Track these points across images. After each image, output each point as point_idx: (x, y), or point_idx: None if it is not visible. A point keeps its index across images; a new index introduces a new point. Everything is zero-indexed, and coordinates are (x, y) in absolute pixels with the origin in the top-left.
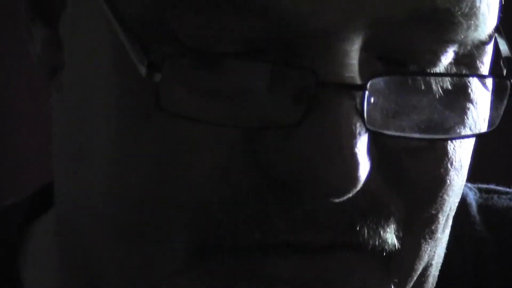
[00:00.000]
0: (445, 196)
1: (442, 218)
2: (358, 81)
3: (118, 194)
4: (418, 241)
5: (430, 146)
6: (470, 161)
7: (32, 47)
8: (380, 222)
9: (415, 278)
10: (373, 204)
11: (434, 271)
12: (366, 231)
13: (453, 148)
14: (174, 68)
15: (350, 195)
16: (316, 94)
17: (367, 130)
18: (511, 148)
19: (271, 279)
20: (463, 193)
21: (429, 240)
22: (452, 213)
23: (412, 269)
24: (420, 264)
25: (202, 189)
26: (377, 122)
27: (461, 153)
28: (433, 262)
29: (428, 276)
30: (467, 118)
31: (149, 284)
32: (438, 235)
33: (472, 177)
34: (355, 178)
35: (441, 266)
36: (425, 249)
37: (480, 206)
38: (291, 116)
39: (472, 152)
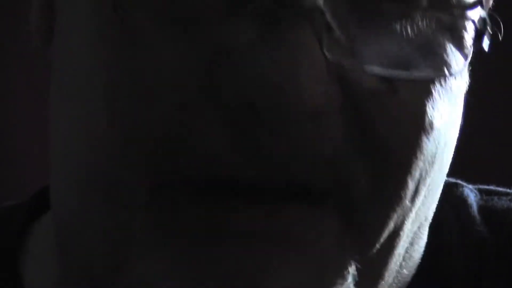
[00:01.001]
0: (412, 157)
1: (411, 184)
2: (320, 3)
3: (87, 137)
4: (384, 206)
5: (393, 92)
6: (471, 163)
7: (31, 15)
8: (343, 172)
9: (377, 246)
10: (336, 153)
11: (402, 244)
12: (328, 177)
13: (422, 106)
14: None
15: (312, 124)
16: (275, 15)
17: (325, 58)
18: (511, 148)
19: (228, 230)
20: (464, 194)
21: (395, 207)
22: (425, 182)
23: (374, 235)
24: (383, 231)
25: (162, 121)
26: (338, 52)
27: (432, 113)
28: (401, 233)
29: (394, 248)
30: (438, 63)
31: (115, 220)
32: (407, 202)
33: (473, 178)
34: (317, 104)
35: (441, 267)
36: (391, 216)
37: (480, 207)
38: (248, 38)
39: (473, 153)
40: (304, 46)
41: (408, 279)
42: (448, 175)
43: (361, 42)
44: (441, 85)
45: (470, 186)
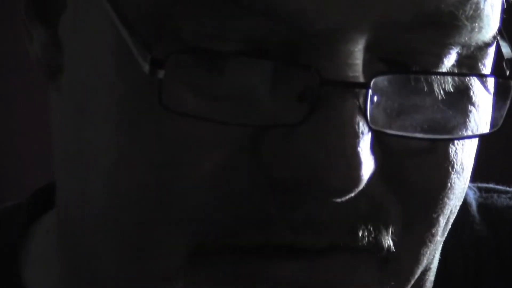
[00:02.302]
0: (445, 199)
1: (442, 221)
2: (361, 80)
3: (118, 195)
4: (418, 245)
5: (432, 148)
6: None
7: (31, 49)
8: (380, 225)
9: (412, 282)
10: (373, 207)
11: (432, 276)
12: (366, 234)
13: (455, 151)
14: (177, 65)
15: (352, 194)
16: (319, 93)
17: (370, 129)
18: (511, 148)
19: (272, 281)
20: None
21: (429, 244)
22: (453, 216)
23: (410, 272)
24: (418, 268)
25: (204, 188)
26: (380, 121)
27: (463, 156)
28: (432, 266)
29: (426, 281)
30: (469, 120)
31: (148, 286)
32: (438, 238)
33: (472, 176)
34: (357, 178)
35: (441, 266)
36: (425, 253)
37: (479, 205)
38: (294, 115)
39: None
40: (350, 120)
41: None
42: None
43: (403, 109)
44: (468, 131)
45: (469, 184)
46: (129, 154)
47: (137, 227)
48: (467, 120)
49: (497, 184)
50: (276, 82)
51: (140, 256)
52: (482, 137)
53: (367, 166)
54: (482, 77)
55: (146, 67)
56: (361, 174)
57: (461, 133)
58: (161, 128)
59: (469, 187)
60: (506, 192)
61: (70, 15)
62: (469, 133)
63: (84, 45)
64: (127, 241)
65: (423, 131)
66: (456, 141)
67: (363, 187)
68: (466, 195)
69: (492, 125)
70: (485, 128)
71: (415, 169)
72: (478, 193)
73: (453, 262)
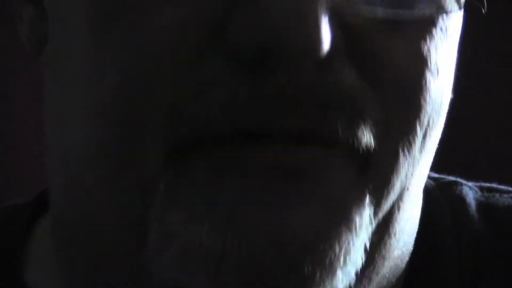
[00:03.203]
0: (421, 99)
1: (419, 130)
2: None
3: (97, 119)
4: (395, 149)
5: (399, 31)
6: (473, 160)
7: (21, 29)
8: (355, 117)
9: (391, 194)
10: (346, 97)
11: (410, 201)
12: (339, 125)
13: (427, 49)
14: None
15: (318, 54)
16: None
17: (328, 2)
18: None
19: (255, 167)
20: (462, 192)
21: (406, 153)
22: (431, 135)
23: (388, 179)
24: (396, 178)
25: (172, 81)
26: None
27: (436, 57)
28: (410, 188)
29: (404, 203)
30: (440, 4)
31: (134, 191)
32: (416, 152)
33: (474, 175)
34: (317, 37)
35: (439, 265)
36: (402, 162)
37: (481, 205)
38: None
39: (475, 151)
40: None
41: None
42: (448, 173)
43: None
44: (441, 27)
45: (470, 184)
46: (101, 68)
47: (119, 139)
48: (439, 6)
49: (499, 184)
50: None
51: (125, 168)
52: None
53: (327, 30)
54: None
55: None
56: (320, 34)
57: (429, 11)
58: (126, 29)
59: (470, 187)
60: (509, 192)
61: None
62: (438, 24)
63: (63, 8)
64: (108, 158)
65: (384, 5)
66: (428, 39)
67: (332, 71)
68: (466, 195)
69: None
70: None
71: (384, 53)
72: (479, 193)
73: (450, 262)
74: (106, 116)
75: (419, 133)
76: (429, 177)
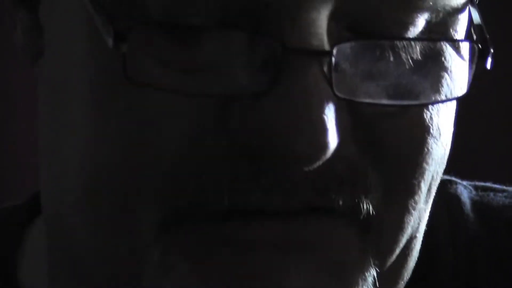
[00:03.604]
0: (424, 164)
1: (424, 188)
2: (326, 48)
3: (93, 172)
4: (401, 213)
5: (402, 113)
6: (469, 160)
7: (16, 35)
8: (357, 189)
9: (397, 251)
10: (349, 171)
11: (418, 245)
12: (341, 198)
13: (430, 116)
14: (142, 39)
15: (320, 162)
16: (282, 61)
17: (336, 97)
18: (509, 147)
19: (248, 243)
20: (457, 191)
21: (412, 211)
22: (436, 183)
23: (393, 241)
24: (402, 236)
25: (172, 157)
26: (345, 88)
27: (438, 121)
28: (417, 235)
29: (412, 249)
30: (441, 85)
31: (123, 259)
32: (421, 205)
33: (470, 174)
34: (324, 144)
35: (432, 265)
36: (408, 221)
37: (475, 204)
38: (259, 85)
39: (471, 150)
40: (314, 88)
41: None
42: (444, 172)
43: (368, 77)
44: (442, 95)
45: (465, 183)
46: (99, 128)
47: (111, 202)
48: (439, 85)
49: (494, 183)
50: (241, 53)
51: (114, 229)
52: (456, 101)
53: (334, 132)
54: (448, 41)
55: (110, 42)
56: (327, 140)
57: (433, 98)
58: (129, 102)
59: (464, 186)
60: (503, 191)
61: None
62: (442, 98)
63: (59, 26)
64: (99, 215)
65: (389, 96)
66: (430, 106)
67: (336, 151)
68: (461, 194)
69: (459, 92)
70: (449, 93)
71: (388, 133)
72: (474, 192)
73: (445, 262)
74: (101, 175)
75: (424, 190)
76: None
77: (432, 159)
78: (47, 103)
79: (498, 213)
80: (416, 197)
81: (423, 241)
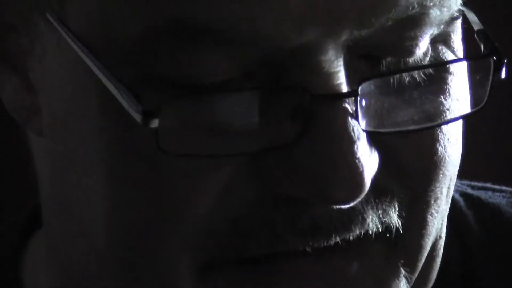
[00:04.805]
0: (445, 171)
1: (445, 191)
2: (346, 87)
3: (119, 234)
4: (425, 219)
5: (422, 133)
6: (470, 161)
7: (4, 96)
8: (384, 208)
9: (425, 254)
10: (376, 192)
11: (442, 242)
12: (371, 219)
13: (448, 128)
14: (172, 113)
15: (359, 199)
16: (311, 109)
17: (365, 132)
18: (509, 148)
19: (283, 285)
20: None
21: (436, 214)
22: (454, 182)
23: (420, 246)
24: (429, 239)
25: (208, 216)
26: (373, 123)
27: (452, 129)
28: (442, 235)
29: (439, 250)
30: (451, 101)
31: None
32: (443, 206)
33: (469, 175)
34: (362, 185)
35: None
36: (433, 224)
37: (472, 201)
38: (290, 134)
39: (471, 151)
40: (345, 128)
41: None
42: None
43: (392, 107)
44: (454, 102)
45: (462, 182)
46: (127, 196)
47: (139, 259)
48: (450, 102)
49: (493, 184)
50: (267, 105)
51: (149, 280)
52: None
53: (369, 168)
54: (459, 60)
55: (139, 117)
56: (364, 179)
57: (447, 116)
58: (158, 169)
59: (461, 184)
60: (501, 191)
61: (39, 57)
62: (454, 114)
63: (62, 90)
64: (128, 274)
65: (414, 122)
66: (446, 117)
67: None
68: (454, 192)
69: (475, 103)
70: (466, 106)
71: (409, 151)
72: (471, 190)
73: (443, 261)
74: (131, 230)
75: (445, 193)
76: None
77: (452, 164)
78: (55, 161)
79: (495, 211)
80: (439, 201)
81: None
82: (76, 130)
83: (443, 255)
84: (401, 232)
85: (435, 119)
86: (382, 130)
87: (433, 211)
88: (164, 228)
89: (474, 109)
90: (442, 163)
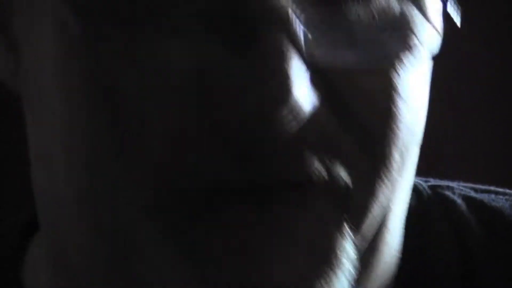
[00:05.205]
0: (394, 128)
1: (396, 155)
2: (290, 12)
3: (82, 169)
4: (373, 179)
5: (370, 75)
6: (473, 163)
7: None
8: (331, 157)
9: (373, 221)
10: (320, 137)
11: (397, 222)
12: (316, 166)
13: (398, 78)
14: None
15: (286, 112)
16: (249, 28)
17: (305, 64)
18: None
19: (225, 226)
20: (448, 194)
21: (384, 178)
22: (410, 157)
23: (367, 208)
24: (376, 204)
25: (157, 140)
26: (312, 54)
27: (408, 83)
28: (394, 208)
29: (388, 224)
30: (409, 45)
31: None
32: (394, 175)
33: (473, 178)
34: (288, 89)
35: (426, 263)
36: (381, 189)
37: (475, 205)
38: (229, 53)
39: (473, 153)
40: (281, 50)
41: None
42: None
43: (332, 36)
44: (410, 56)
45: (465, 185)
46: (81, 128)
47: (102, 187)
48: (406, 45)
49: (497, 187)
50: (206, 24)
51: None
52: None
53: (301, 86)
54: None
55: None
56: (292, 88)
57: (401, 58)
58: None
59: (451, 187)
60: (504, 194)
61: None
62: (411, 58)
63: (32, 36)
64: (94, 208)
65: (357, 60)
66: (398, 68)
67: (307, 118)
68: (457, 197)
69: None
70: (429, 55)
71: (355, 96)
72: (474, 193)
73: (446, 263)
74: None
75: (397, 159)
76: (420, 179)
77: (403, 124)
78: (29, 122)
79: (498, 214)
80: (388, 164)
81: (422, 240)
82: (40, 76)
83: (443, 256)
84: (348, 189)
85: (382, 61)
86: (322, 64)
87: (381, 173)
88: (118, 164)
89: (424, 57)
90: (391, 116)
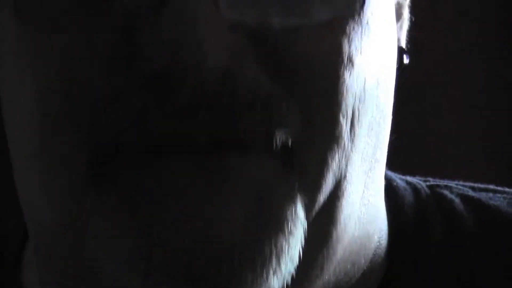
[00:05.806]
0: (338, 93)
1: (344, 122)
2: None
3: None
4: (322, 146)
5: (309, 36)
6: (473, 162)
7: None
8: (268, 118)
9: (325, 189)
10: (256, 96)
11: (353, 191)
12: (253, 126)
13: (337, 42)
14: None
15: (212, 66)
16: None
17: (226, 21)
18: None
19: (166, 187)
20: (444, 193)
21: (335, 146)
22: (362, 126)
23: (319, 175)
24: (328, 171)
25: (85, 97)
26: (233, 10)
27: (350, 47)
28: (348, 178)
29: (343, 192)
30: (352, 7)
31: (66, 193)
32: (345, 142)
33: (473, 177)
34: (208, 49)
35: (423, 262)
36: (331, 155)
37: (472, 204)
38: (150, 9)
39: (474, 153)
40: (199, 7)
41: (374, 229)
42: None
43: None
44: (355, 22)
45: (463, 184)
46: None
47: (42, 151)
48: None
49: (497, 185)
50: None
51: (49, 183)
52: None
53: (218, 44)
54: None
55: None
56: (211, 43)
57: (328, 14)
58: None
59: (448, 186)
60: (503, 192)
61: None
62: (351, 19)
63: None
64: (36, 172)
65: (284, 16)
66: (338, 32)
67: (237, 75)
68: (455, 196)
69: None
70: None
71: (295, 57)
72: (472, 192)
73: (441, 261)
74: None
75: (344, 123)
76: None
77: (347, 89)
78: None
79: (495, 212)
80: (336, 131)
81: (419, 239)
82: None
83: (440, 255)
84: (296, 153)
85: (329, 29)
86: (244, 20)
87: (330, 140)
88: (54, 113)
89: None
90: (333, 79)
